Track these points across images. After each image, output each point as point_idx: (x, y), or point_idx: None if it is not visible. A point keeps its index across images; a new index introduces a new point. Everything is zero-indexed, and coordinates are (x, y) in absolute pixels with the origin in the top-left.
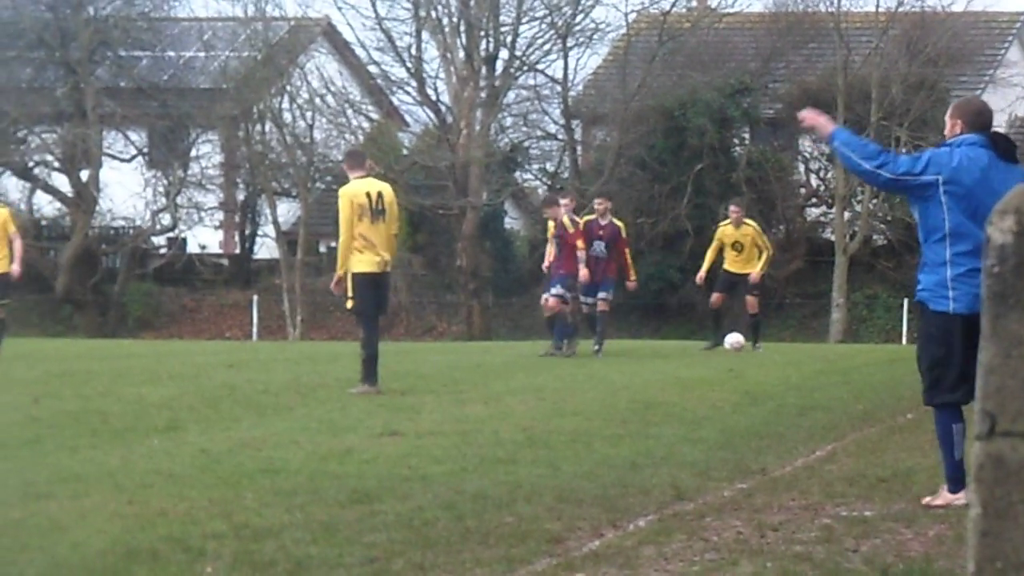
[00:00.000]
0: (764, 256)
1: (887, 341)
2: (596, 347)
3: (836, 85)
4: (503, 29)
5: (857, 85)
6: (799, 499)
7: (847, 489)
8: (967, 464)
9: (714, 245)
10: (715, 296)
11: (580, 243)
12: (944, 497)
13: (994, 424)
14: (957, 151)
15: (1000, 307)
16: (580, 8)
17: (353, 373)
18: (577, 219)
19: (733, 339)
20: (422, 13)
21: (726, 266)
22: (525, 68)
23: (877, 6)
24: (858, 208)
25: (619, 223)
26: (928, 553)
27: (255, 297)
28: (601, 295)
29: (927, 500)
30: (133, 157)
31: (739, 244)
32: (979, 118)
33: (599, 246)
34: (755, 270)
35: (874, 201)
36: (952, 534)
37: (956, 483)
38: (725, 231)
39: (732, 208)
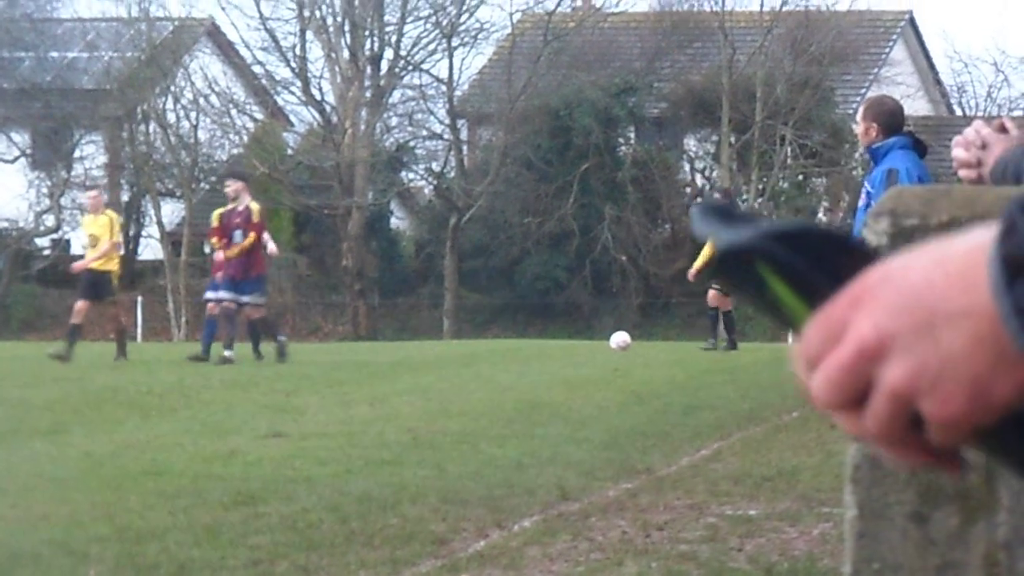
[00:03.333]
0: None
1: (772, 340)
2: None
3: (721, 84)
4: (388, 29)
5: (742, 84)
6: (684, 498)
7: (732, 488)
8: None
9: None
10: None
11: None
12: None
13: None
14: (900, 154)
15: None
16: (465, 8)
17: (238, 375)
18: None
19: (619, 339)
20: (306, 13)
21: None
22: (410, 68)
23: (761, 5)
24: (744, 207)
25: (254, 207)
26: (812, 552)
27: (139, 298)
28: (246, 298)
29: None
30: (16, 158)
31: None
32: (894, 119)
33: (239, 235)
34: None
35: (759, 200)
36: (836, 533)
37: None
38: None
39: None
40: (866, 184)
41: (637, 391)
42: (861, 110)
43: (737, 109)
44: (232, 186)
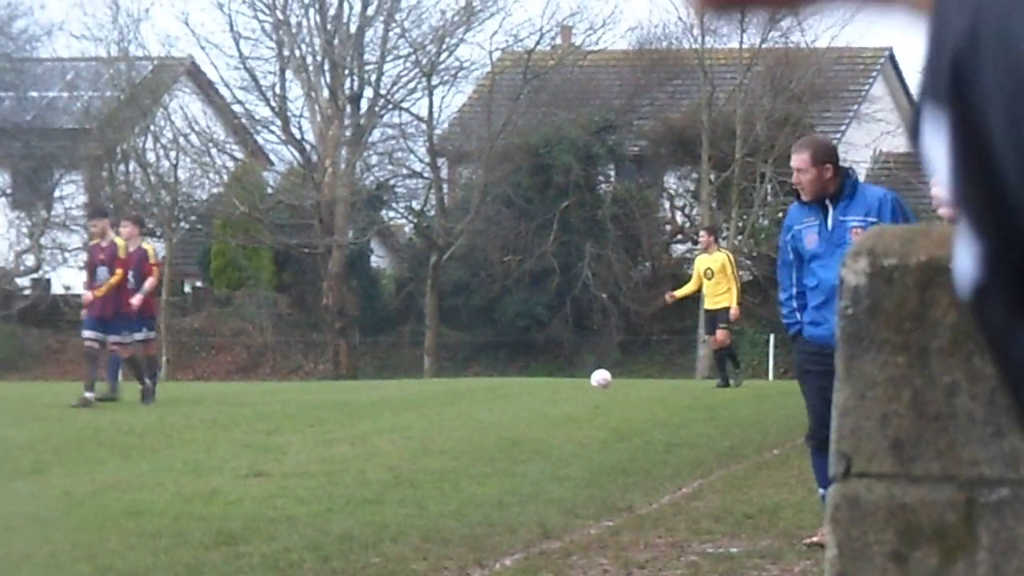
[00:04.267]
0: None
1: (753, 377)
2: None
3: (701, 122)
4: (367, 67)
5: (722, 122)
6: (665, 536)
7: (713, 526)
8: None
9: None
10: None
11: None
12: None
13: (849, 465)
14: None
15: (854, 348)
16: (444, 47)
17: (219, 414)
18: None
19: (600, 376)
20: (286, 52)
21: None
22: (390, 106)
23: (741, 43)
24: (724, 244)
25: (147, 247)
26: None
27: None
28: (113, 338)
29: (808, 539)
30: None
31: (710, 271)
32: (836, 154)
33: (103, 272)
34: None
35: (739, 237)
36: (817, 570)
37: None
38: (700, 259)
39: (700, 233)
40: (853, 220)
41: (618, 429)
42: (807, 155)
43: (717, 146)
44: (97, 225)
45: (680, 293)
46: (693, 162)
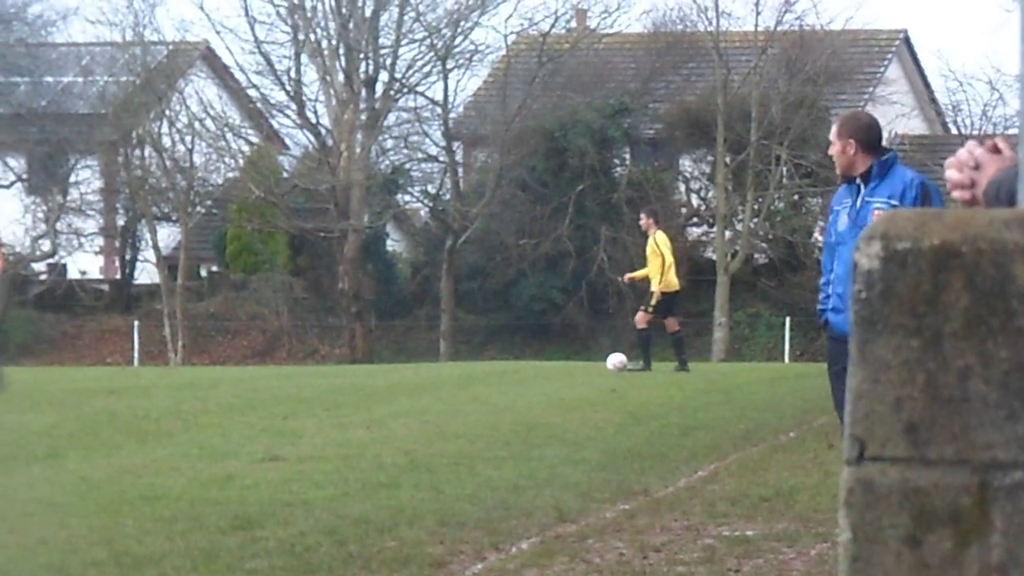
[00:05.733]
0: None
1: (769, 359)
2: None
3: (716, 105)
4: (383, 51)
5: (737, 104)
6: (681, 520)
7: (729, 509)
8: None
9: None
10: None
11: None
12: None
13: (863, 449)
14: (909, 170)
15: (868, 332)
16: (459, 30)
17: (235, 399)
18: None
19: (615, 359)
20: (301, 36)
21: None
22: (405, 90)
23: (756, 26)
24: (739, 227)
25: None
26: (810, 572)
27: (136, 322)
28: None
29: None
30: (12, 183)
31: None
32: (871, 133)
33: None
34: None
35: (755, 220)
36: (834, 553)
37: None
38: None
39: (641, 215)
40: (877, 202)
41: (634, 412)
42: (835, 128)
43: (732, 129)
44: None
45: (636, 275)
46: (708, 145)
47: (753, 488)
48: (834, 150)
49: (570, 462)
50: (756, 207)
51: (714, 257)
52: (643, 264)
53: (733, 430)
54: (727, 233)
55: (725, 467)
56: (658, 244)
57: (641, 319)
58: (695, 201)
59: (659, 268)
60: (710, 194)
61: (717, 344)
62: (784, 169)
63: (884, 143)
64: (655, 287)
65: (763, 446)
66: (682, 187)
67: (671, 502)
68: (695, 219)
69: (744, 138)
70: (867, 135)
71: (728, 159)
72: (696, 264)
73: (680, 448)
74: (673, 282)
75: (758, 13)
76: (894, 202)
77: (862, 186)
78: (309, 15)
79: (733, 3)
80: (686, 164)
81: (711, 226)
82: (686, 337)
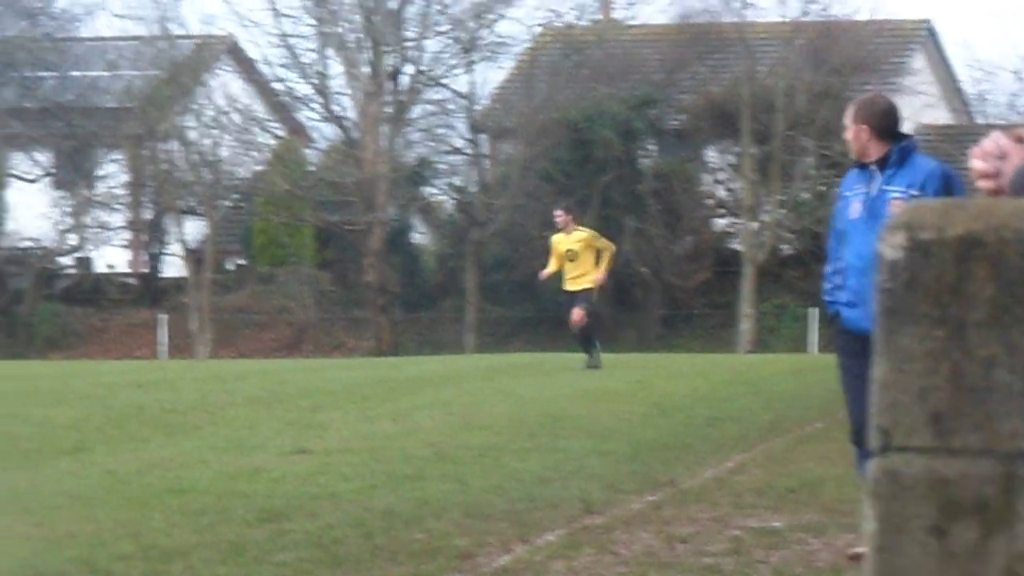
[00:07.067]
0: (606, 256)
1: (795, 351)
2: None
3: (741, 96)
4: (408, 44)
5: (762, 95)
6: (708, 511)
7: (756, 500)
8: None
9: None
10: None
11: None
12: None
13: (889, 439)
14: (928, 159)
15: (892, 322)
16: (484, 22)
17: (262, 391)
18: None
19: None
20: (326, 29)
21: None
22: (430, 83)
23: (783, 16)
24: (765, 218)
25: None
26: (837, 563)
27: (163, 316)
28: None
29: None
30: (39, 178)
31: (571, 252)
32: (887, 119)
33: None
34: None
35: (781, 211)
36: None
37: None
38: (556, 239)
39: (556, 213)
40: (895, 191)
41: (660, 403)
42: (851, 112)
43: (758, 120)
44: None
45: (547, 272)
46: (734, 136)
47: (780, 479)
48: (847, 134)
49: (596, 453)
50: (782, 198)
51: (740, 248)
52: (667, 255)
53: (759, 421)
54: (753, 224)
55: (751, 458)
56: (595, 238)
57: (581, 317)
58: (721, 192)
59: (607, 255)
60: (735, 185)
61: (743, 335)
62: (810, 160)
63: (908, 132)
64: (601, 274)
65: (789, 437)
66: (708, 178)
67: (698, 493)
68: (721, 210)
69: (770, 129)
70: (882, 121)
71: (754, 150)
72: (722, 255)
73: (706, 439)
74: (585, 281)
75: (784, 3)
76: (914, 191)
77: (878, 173)
78: (334, 8)
79: None
80: (712, 155)
81: (737, 217)
82: (713, 328)
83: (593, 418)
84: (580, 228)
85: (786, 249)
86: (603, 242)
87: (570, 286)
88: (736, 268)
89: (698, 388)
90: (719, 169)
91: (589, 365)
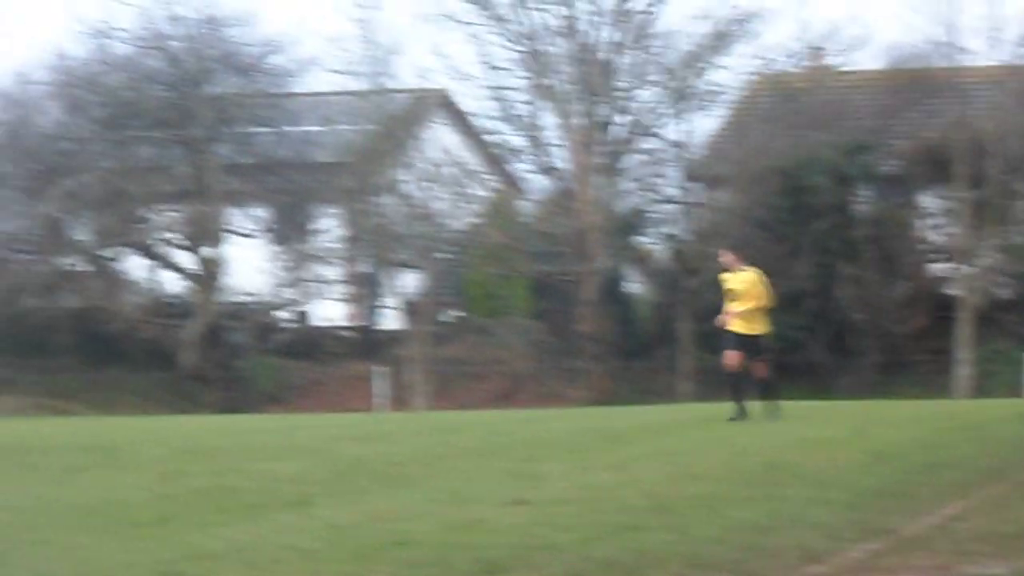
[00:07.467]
0: (753, 304)
1: (1012, 395)
2: None
3: (954, 140)
4: (619, 94)
5: (976, 140)
6: (930, 558)
7: (978, 547)
8: None
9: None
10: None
11: None
12: None
13: None
14: None
15: None
16: (695, 71)
17: (479, 442)
18: None
19: None
20: (538, 81)
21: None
22: (642, 132)
23: (995, 60)
24: (981, 263)
25: None
26: None
27: (380, 368)
28: None
29: None
30: (256, 232)
31: (733, 292)
32: None
33: None
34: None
35: (997, 255)
36: None
37: None
38: (723, 278)
39: (720, 252)
40: None
41: (877, 450)
42: None
43: (972, 164)
44: None
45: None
46: (947, 180)
47: (1002, 525)
48: None
49: (815, 502)
50: (997, 242)
51: (956, 293)
52: (883, 301)
53: (979, 466)
54: (968, 269)
55: (972, 504)
56: (757, 279)
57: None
58: (935, 237)
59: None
60: (951, 230)
61: (960, 381)
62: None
63: None
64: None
65: (1010, 482)
66: (921, 223)
67: (919, 541)
68: (936, 255)
69: (983, 173)
70: None
71: (968, 194)
72: (938, 300)
73: (925, 486)
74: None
75: (996, 47)
76: None
77: None
78: (547, 60)
79: (970, 40)
80: (925, 200)
81: (951, 262)
82: (930, 374)
83: (810, 466)
84: (746, 268)
85: (1002, 293)
86: (763, 290)
87: (742, 329)
88: (952, 313)
89: (916, 434)
90: (933, 214)
91: (734, 417)
